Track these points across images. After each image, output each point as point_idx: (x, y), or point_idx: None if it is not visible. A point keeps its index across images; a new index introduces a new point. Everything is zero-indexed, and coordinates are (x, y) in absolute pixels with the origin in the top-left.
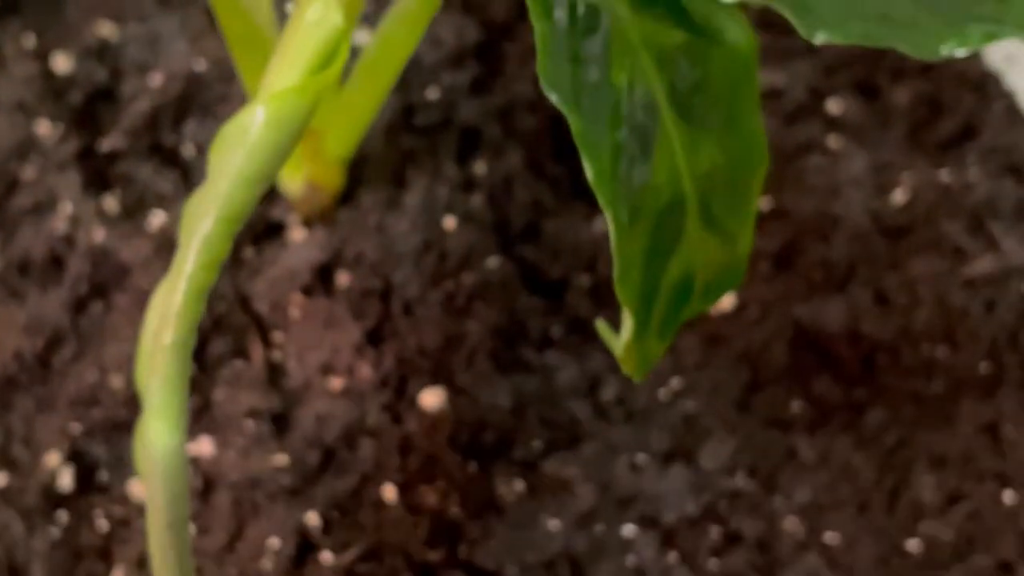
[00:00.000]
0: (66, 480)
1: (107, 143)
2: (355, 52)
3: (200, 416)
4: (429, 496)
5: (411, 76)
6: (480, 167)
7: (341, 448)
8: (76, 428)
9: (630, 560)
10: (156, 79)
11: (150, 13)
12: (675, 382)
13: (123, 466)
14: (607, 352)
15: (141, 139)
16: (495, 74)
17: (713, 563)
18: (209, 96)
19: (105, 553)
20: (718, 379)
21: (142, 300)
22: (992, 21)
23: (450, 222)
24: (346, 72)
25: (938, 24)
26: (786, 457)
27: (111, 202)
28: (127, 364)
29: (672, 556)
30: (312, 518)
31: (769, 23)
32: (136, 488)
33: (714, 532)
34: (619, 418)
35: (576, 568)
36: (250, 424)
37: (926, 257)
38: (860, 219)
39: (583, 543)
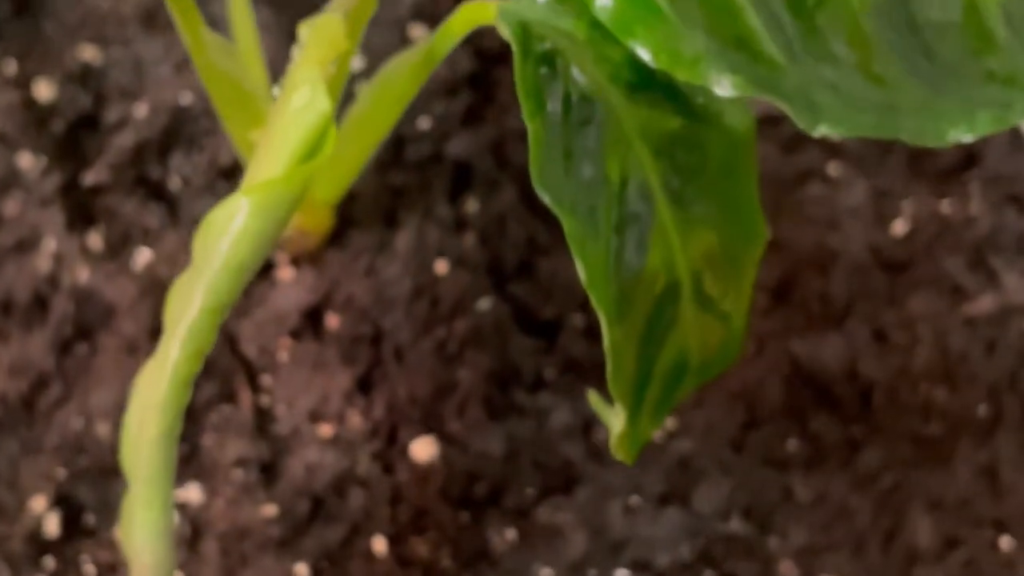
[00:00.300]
0: (52, 525)
1: (91, 176)
2: (348, 95)
3: (188, 462)
4: (420, 547)
5: None
6: (472, 204)
7: (331, 498)
8: (62, 473)
9: None
10: (141, 110)
11: (133, 36)
12: (669, 422)
13: (110, 510)
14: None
15: (126, 172)
16: (488, 103)
17: None
18: (195, 129)
19: None
20: (713, 418)
21: (128, 342)
22: (1000, 106)
23: (442, 266)
24: (337, 118)
25: (948, 110)
26: (782, 498)
27: (95, 239)
28: (113, 410)
29: None
30: (301, 570)
31: None
32: None
33: None
34: (613, 460)
35: None
36: (239, 473)
37: (926, 293)
38: (859, 252)
39: None
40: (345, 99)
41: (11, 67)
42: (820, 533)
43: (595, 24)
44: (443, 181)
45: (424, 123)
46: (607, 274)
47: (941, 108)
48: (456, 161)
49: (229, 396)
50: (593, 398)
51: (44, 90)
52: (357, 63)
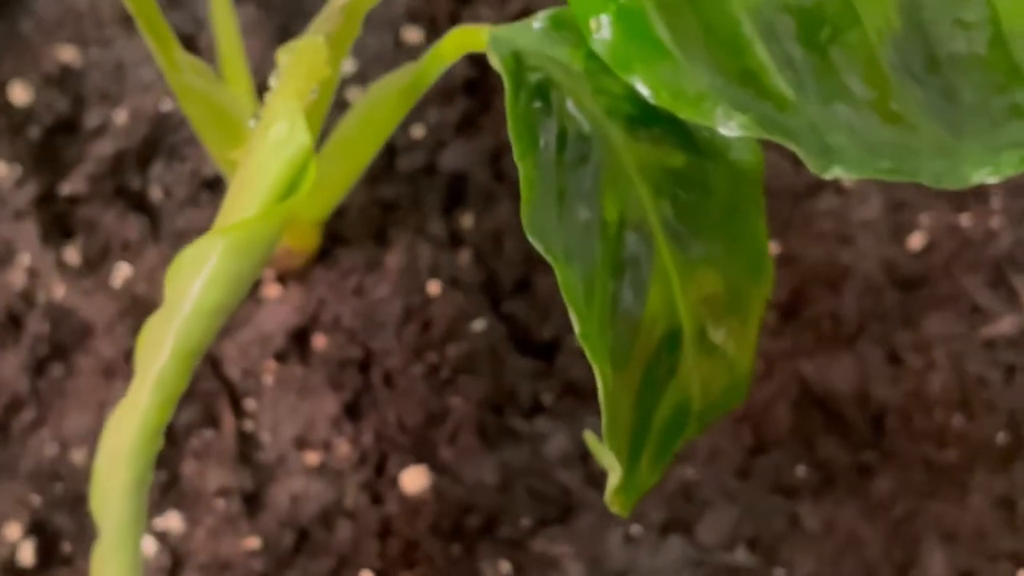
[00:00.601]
0: (27, 554)
1: (68, 186)
2: (340, 104)
3: (167, 490)
4: None
5: None
6: (467, 219)
7: (317, 530)
8: (36, 500)
9: None
10: (121, 116)
11: (113, 37)
12: None
13: (86, 538)
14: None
15: (105, 182)
16: (485, 111)
17: None
18: (177, 137)
19: None
20: (718, 443)
21: (105, 364)
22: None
23: (434, 287)
24: (323, 138)
25: (971, 151)
26: (789, 527)
27: (72, 253)
28: (88, 436)
29: None
30: None
31: None
32: None
33: None
34: None
35: None
36: (221, 502)
37: (943, 313)
38: (873, 268)
39: None
40: (336, 105)
41: None
42: (829, 565)
43: (593, 55)
44: (436, 194)
45: (417, 131)
46: (603, 324)
47: (963, 150)
48: (450, 173)
49: (211, 420)
50: (590, 439)
51: (20, 93)
52: (348, 66)
